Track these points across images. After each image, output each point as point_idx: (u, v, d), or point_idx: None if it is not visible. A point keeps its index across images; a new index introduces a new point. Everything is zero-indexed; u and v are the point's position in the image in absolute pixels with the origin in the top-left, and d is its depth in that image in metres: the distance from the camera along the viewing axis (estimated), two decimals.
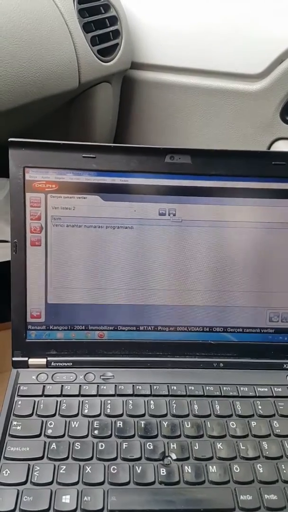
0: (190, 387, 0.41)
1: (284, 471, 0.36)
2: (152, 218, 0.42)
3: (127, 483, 0.34)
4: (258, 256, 0.43)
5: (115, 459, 0.36)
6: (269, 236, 0.43)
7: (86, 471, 0.34)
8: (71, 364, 0.42)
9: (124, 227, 0.41)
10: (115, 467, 0.35)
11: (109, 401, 0.40)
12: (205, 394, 0.41)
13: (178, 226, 0.42)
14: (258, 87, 0.60)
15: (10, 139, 0.39)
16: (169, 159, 0.41)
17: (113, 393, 0.40)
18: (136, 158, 0.40)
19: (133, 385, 0.41)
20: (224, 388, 0.42)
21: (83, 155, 0.40)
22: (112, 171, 0.40)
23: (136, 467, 0.35)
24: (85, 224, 0.41)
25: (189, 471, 0.35)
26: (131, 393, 0.41)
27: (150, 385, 0.41)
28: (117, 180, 0.41)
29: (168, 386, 0.41)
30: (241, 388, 0.42)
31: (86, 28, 0.55)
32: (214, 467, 0.36)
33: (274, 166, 0.42)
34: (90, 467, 0.35)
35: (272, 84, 0.59)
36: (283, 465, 0.36)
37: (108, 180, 0.40)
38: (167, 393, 0.41)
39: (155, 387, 0.41)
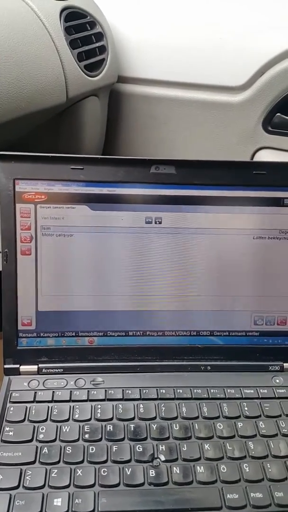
0: (178, 390, 0.43)
1: (270, 470, 0.37)
2: (139, 226, 0.43)
3: (117, 485, 0.35)
4: (242, 261, 0.45)
5: (105, 461, 0.36)
6: (252, 242, 0.44)
7: (77, 474, 0.35)
8: (62, 370, 0.43)
9: (112, 236, 0.43)
10: (105, 470, 0.36)
11: (99, 406, 0.40)
12: (193, 396, 0.42)
13: (164, 233, 0.43)
14: (240, 99, 0.62)
15: (0, 152, 0.40)
16: (155, 169, 0.42)
17: (103, 398, 0.41)
18: (123, 169, 0.42)
19: (123, 390, 0.42)
20: (212, 391, 0.43)
21: (71, 167, 0.41)
22: (99, 181, 0.42)
23: (126, 469, 0.36)
24: (74, 233, 0.42)
25: (178, 471, 0.36)
26: (121, 397, 0.41)
27: (140, 389, 0.42)
28: (105, 190, 0.42)
29: (157, 389, 0.42)
30: (228, 390, 0.43)
31: (72, 44, 0.56)
32: (202, 467, 0.37)
33: (255, 175, 0.43)
34: (81, 470, 0.36)
35: (253, 95, 0.61)
36: (268, 464, 0.37)
37: (96, 190, 0.42)
38: (156, 397, 0.42)
39: (144, 391, 0.42)
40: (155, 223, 0.43)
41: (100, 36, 0.62)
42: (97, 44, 0.61)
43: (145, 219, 0.43)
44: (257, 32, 0.61)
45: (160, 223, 0.43)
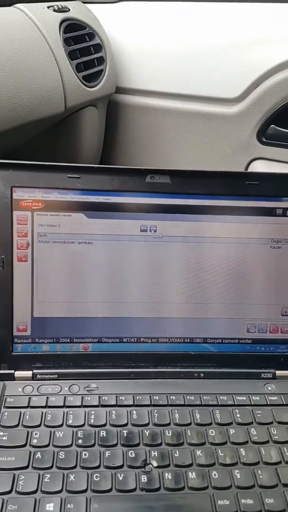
0: (171, 397, 0.43)
1: (261, 477, 0.37)
2: (134, 234, 0.44)
3: (109, 490, 0.35)
4: (235, 270, 0.45)
5: (98, 467, 0.37)
6: (245, 251, 0.45)
7: (70, 479, 0.35)
8: (56, 376, 0.43)
9: (107, 243, 0.43)
10: (98, 475, 0.36)
11: (93, 412, 0.41)
12: (186, 403, 0.43)
13: (158, 241, 0.44)
14: (235, 111, 0.63)
15: None
16: (150, 179, 0.43)
17: (97, 404, 0.42)
18: (119, 178, 0.43)
19: (117, 396, 0.42)
20: (204, 397, 0.43)
21: (68, 175, 0.42)
22: (95, 190, 0.43)
23: (118, 474, 0.36)
24: (70, 240, 0.43)
25: (169, 477, 0.36)
26: (115, 403, 0.42)
27: (133, 396, 0.43)
28: (101, 199, 0.43)
29: (150, 396, 0.43)
30: (221, 397, 0.43)
31: (71, 55, 0.58)
32: (194, 473, 0.37)
33: (248, 185, 0.44)
34: (73, 475, 0.36)
35: (248, 107, 0.62)
36: (259, 471, 0.38)
37: (92, 198, 0.43)
38: (149, 403, 0.42)
39: (137, 397, 0.42)
40: (150, 231, 0.44)
41: (98, 47, 0.63)
42: (96, 55, 0.62)
43: (140, 227, 0.44)
44: (252, 45, 0.62)
45: (155, 231, 0.44)
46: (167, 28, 0.68)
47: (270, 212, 0.45)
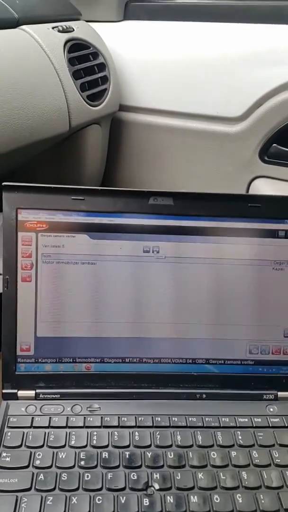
0: (173, 418, 0.43)
1: (263, 501, 0.37)
2: (137, 255, 0.44)
3: None
4: (237, 291, 0.46)
5: (100, 489, 0.37)
6: (247, 273, 0.46)
7: (73, 502, 0.35)
8: (59, 396, 0.43)
9: (110, 264, 0.44)
10: (100, 498, 0.36)
11: (95, 433, 0.41)
12: (188, 425, 0.43)
13: (161, 262, 0.45)
14: (238, 129, 0.64)
15: (4, 183, 0.41)
16: (153, 200, 0.44)
17: (99, 424, 0.42)
18: (122, 200, 0.43)
19: (119, 417, 0.42)
20: (206, 419, 0.43)
21: (72, 197, 0.43)
22: (99, 212, 0.43)
23: (120, 497, 0.36)
24: (74, 261, 0.43)
25: (171, 501, 0.36)
26: (117, 424, 0.42)
27: (135, 417, 0.43)
28: (104, 220, 0.43)
29: (152, 417, 0.43)
30: (222, 419, 0.43)
31: (75, 75, 0.59)
32: (195, 497, 0.37)
33: (250, 207, 0.45)
34: (76, 498, 0.36)
35: (251, 126, 0.63)
36: (261, 495, 0.37)
37: (95, 220, 0.43)
38: (151, 425, 0.42)
39: (139, 418, 0.43)
40: (153, 252, 0.44)
41: (102, 66, 0.64)
42: (100, 75, 0.63)
43: (143, 248, 0.44)
44: (255, 64, 0.63)
45: (158, 252, 0.44)
46: (170, 47, 0.69)
47: (272, 234, 0.45)
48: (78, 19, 0.65)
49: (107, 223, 0.43)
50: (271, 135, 0.62)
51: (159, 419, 0.43)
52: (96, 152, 0.68)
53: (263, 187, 0.65)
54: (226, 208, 0.45)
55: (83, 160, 0.67)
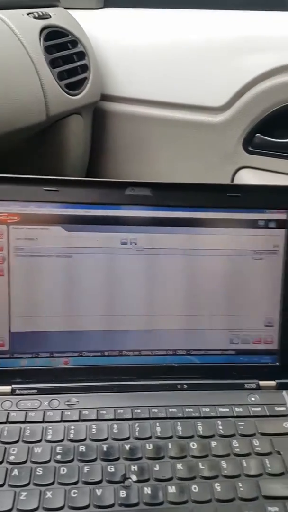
0: (153, 410, 0.43)
1: (241, 489, 0.37)
2: (114, 247, 0.44)
3: (87, 507, 0.35)
4: (217, 281, 0.45)
5: (76, 483, 0.36)
6: (227, 263, 0.45)
7: (47, 496, 0.35)
8: (36, 391, 0.43)
9: (87, 257, 0.43)
10: (76, 491, 0.36)
11: (72, 427, 0.40)
12: (168, 416, 0.42)
13: (139, 254, 0.44)
14: (221, 119, 0.63)
15: None
16: (130, 191, 0.43)
17: (77, 418, 0.41)
18: (98, 191, 0.43)
19: (97, 410, 0.42)
20: (187, 410, 0.43)
21: (46, 188, 0.42)
22: (74, 203, 0.42)
23: (96, 490, 0.36)
24: (48, 254, 0.42)
25: (149, 492, 0.36)
26: (95, 418, 0.41)
27: (114, 409, 0.42)
28: (80, 212, 0.43)
29: (131, 409, 0.42)
30: (203, 409, 0.43)
31: (53, 63, 0.57)
32: (173, 487, 0.37)
33: (230, 197, 0.44)
34: (50, 492, 0.35)
35: (234, 116, 0.62)
36: (240, 483, 0.37)
37: (70, 211, 0.42)
38: (130, 417, 0.42)
39: (119, 411, 0.42)
40: (131, 244, 0.44)
41: (81, 55, 0.63)
42: (79, 63, 0.62)
43: (120, 240, 0.44)
44: (238, 52, 0.62)
45: (135, 244, 0.44)
46: (152, 35, 0.67)
47: (252, 224, 0.45)
48: (56, 6, 0.63)
49: (82, 214, 0.43)
50: (254, 125, 0.61)
51: (138, 411, 0.42)
52: (78, 143, 0.67)
53: (248, 178, 0.64)
54: (205, 198, 0.44)
55: (65, 151, 0.66)
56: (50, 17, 0.58)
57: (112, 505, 0.35)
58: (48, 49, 0.57)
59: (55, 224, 0.42)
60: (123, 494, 0.36)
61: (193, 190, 0.44)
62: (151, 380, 0.45)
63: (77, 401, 0.43)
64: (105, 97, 0.69)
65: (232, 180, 0.66)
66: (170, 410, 0.43)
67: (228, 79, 0.61)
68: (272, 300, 0.46)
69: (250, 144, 0.62)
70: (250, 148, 0.63)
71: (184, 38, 0.65)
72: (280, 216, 0.45)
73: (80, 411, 0.42)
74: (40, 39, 0.55)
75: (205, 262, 0.45)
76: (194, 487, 0.37)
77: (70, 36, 0.61)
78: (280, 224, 0.45)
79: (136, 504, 0.35)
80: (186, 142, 0.67)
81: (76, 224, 0.43)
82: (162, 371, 0.45)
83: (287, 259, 0.45)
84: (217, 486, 0.37)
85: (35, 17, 0.56)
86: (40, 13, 0.57)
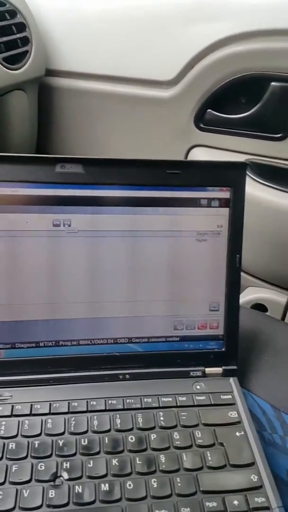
0: (92, 402, 0.40)
1: (179, 484, 0.35)
2: (46, 230, 0.40)
3: (12, 510, 0.33)
4: (159, 265, 0.43)
5: (2, 483, 0.34)
6: (169, 245, 0.42)
7: None
8: None
9: (16, 240, 0.40)
10: (1, 493, 0.33)
11: (3, 423, 0.38)
12: (107, 408, 0.40)
13: (74, 237, 0.41)
14: (171, 94, 0.60)
15: None
16: (60, 168, 0.40)
17: (9, 414, 0.39)
18: (25, 168, 0.39)
19: (32, 404, 0.39)
20: (127, 401, 0.41)
21: None
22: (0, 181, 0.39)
23: (24, 490, 0.34)
24: None
25: (80, 491, 0.34)
26: (28, 413, 0.39)
27: (50, 403, 0.40)
28: (7, 191, 0.39)
29: (68, 403, 0.40)
30: (145, 399, 0.41)
31: None
32: (106, 485, 0.34)
33: (169, 174, 0.41)
34: None
35: (184, 90, 0.59)
36: (178, 478, 0.35)
37: None
38: (66, 411, 0.39)
39: (54, 405, 0.40)
40: (64, 225, 0.41)
41: (22, 26, 0.59)
42: (19, 35, 0.58)
43: (52, 222, 0.40)
44: (187, 22, 0.59)
45: (69, 225, 0.41)
46: (98, 6, 0.63)
47: (194, 203, 0.42)
48: None
49: (10, 194, 0.39)
50: (205, 99, 0.59)
51: (75, 404, 0.40)
52: (23, 119, 0.63)
53: (201, 157, 0.62)
54: (143, 176, 0.41)
55: (9, 128, 0.62)
56: None
57: (39, 507, 0.33)
58: None
59: None
60: (51, 494, 0.34)
61: (130, 166, 0.41)
62: (91, 371, 0.42)
63: (11, 396, 0.40)
64: (50, 72, 0.65)
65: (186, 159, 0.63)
66: (109, 402, 0.41)
67: (177, 50, 0.58)
68: (216, 283, 0.43)
69: (202, 120, 0.60)
70: (201, 125, 0.60)
71: (131, 7, 0.61)
72: (224, 194, 0.42)
73: (12, 406, 0.39)
74: None
75: (146, 244, 0.42)
76: (129, 484, 0.35)
77: (8, 6, 0.57)
78: (224, 203, 0.43)
79: (66, 505, 0.33)
80: (137, 119, 0.63)
81: (2, 205, 0.39)
82: (102, 361, 0.43)
83: (231, 239, 0.43)
84: (154, 482, 0.35)
85: None
86: None
